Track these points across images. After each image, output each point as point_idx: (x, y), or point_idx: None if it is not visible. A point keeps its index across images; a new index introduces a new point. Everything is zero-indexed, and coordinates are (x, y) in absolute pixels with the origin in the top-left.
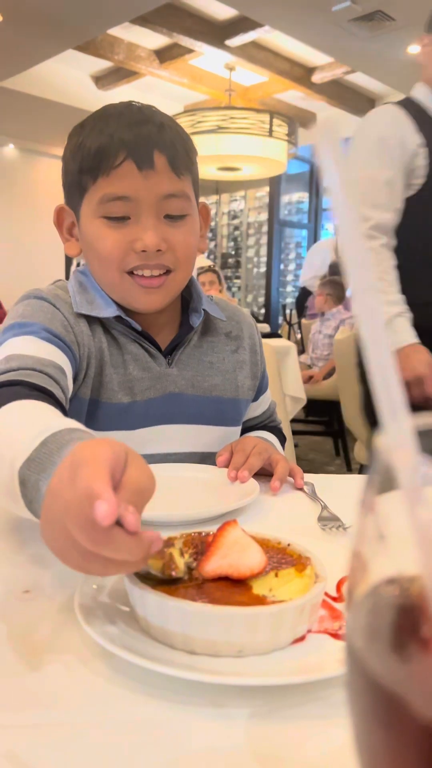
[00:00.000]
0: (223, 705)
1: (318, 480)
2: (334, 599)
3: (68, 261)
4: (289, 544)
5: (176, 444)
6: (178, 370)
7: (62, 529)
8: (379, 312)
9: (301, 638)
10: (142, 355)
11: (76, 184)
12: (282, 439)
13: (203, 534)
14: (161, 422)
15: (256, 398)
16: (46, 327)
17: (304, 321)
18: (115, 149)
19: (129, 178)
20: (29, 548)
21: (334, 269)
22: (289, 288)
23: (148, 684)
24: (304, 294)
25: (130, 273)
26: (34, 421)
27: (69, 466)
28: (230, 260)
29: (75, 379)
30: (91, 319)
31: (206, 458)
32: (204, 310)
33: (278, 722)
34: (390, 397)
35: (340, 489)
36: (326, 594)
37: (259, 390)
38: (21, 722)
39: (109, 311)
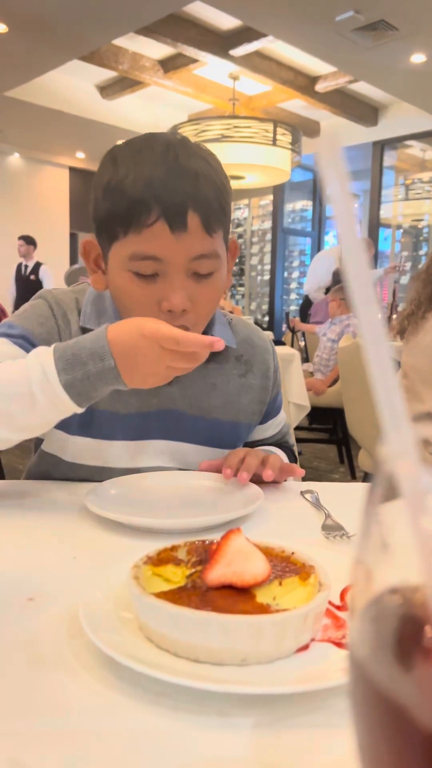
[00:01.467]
0: (227, 714)
1: (322, 488)
2: (338, 608)
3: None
4: (293, 553)
5: (167, 459)
6: (179, 389)
7: (153, 363)
8: (379, 324)
9: (305, 647)
10: None
11: (105, 226)
12: (292, 459)
13: (207, 542)
14: (155, 437)
15: (264, 421)
16: (28, 334)
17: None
18: (148, 207)
19: (160, 238)
20: (33, 556)
21: (337, 277)
22: (293, 295)
23: (151, 692)
24: (307, 302)
25: None
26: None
27: (129, 336)
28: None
29: None
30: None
31: None
32: None
33: (282, 731)
34: (392, 407)
35: (344, 497)
36: (330, 603)
37: (269, 414)
38: (24, 729)
39: None
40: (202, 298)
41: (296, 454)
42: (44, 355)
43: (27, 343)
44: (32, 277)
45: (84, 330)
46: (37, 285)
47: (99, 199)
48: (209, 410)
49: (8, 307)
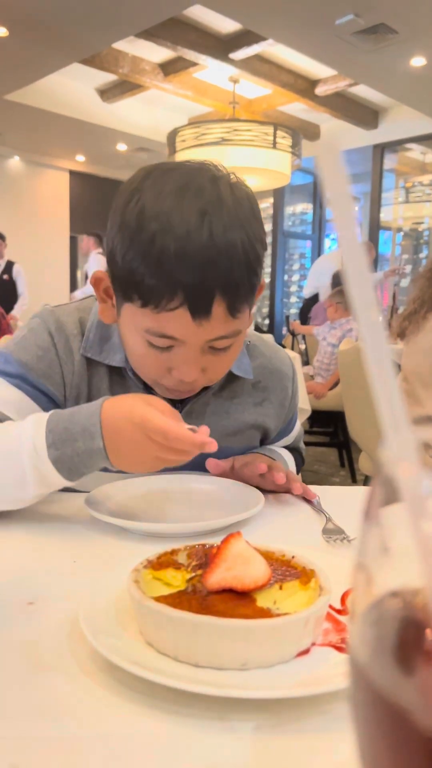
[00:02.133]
0: (228, 718)
1: (323, 491)
2: (339, 612)
3: (73, 273)
4: (293, 557)
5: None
6: (188, 419)
7: (140, 451)
8: (380, 327)
9: (306, 651)
10: None
11: (121, 283)
12: (299, 462)
13: (207, 546)
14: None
15: (276, 440)
16: (25, 371)
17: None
18: (171, 291)
19: (181, 323)
20: (33, 560)
21: (336, 280)
22: (293, 299)
23: (152, 696)
24: (307, 305)
25: None
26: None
27: (119, 418)
28: None
29: None
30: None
31: None
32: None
33: (283, 735)
34: (392, 410)
35: (345, 500)
36: (331, 606)
37: (282, 433)
38: (24, 734)
39: (117, 359)
40: (216, 367)
41: (303, 456)
42: (37, 427)
43: (24, 382)
44: (5, 276)
45: (86, 360)
46: (11, 285)
47: (118, 246)
48: (220, 439)
49: None
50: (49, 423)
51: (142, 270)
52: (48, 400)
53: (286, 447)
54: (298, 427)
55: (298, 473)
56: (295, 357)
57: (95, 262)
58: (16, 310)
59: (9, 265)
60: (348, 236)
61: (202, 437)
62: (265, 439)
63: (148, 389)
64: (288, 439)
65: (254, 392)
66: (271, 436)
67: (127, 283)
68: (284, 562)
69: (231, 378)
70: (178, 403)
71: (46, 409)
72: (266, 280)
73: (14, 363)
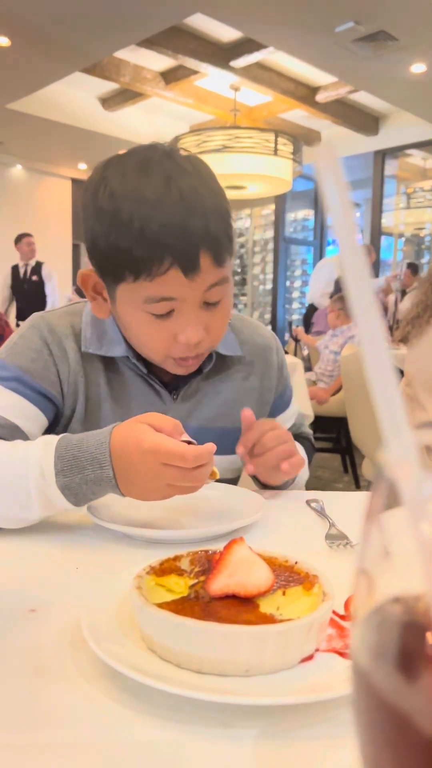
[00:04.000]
0: (231, 725)
1: (326, 497)
2: (342, 617)
3: (74, 280)
4: (296, 562)
5: None
6: (182, 403)
7: (152, 480)
8: (379, 330)
9: (309, 657)
10: (146, 392)
11: (109, 265)
12: (310, 450)
13: (210, 552)
14: None
15: (275, 414)
16: (21, 374)
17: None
18: (160, 256)
19: (174, 282)
20: (35, 567)
21: (339, 285)
22: (295, 305)
23: (155, 704)
24: (311, 311)
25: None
26: (19, 448)
27: (131, 447)
28: (236, 277)
29: (59, 419)
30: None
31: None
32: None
33: (286, 742)
34: (392, 413)
35: (348, 506)
36: (334, 612)
37: (275, 410)
38: (26, 742)
39: (118, 350)
40: (215, 325)
41: (313, 443)
42: (46, 452)
43: (21, 385)
44: (34, 278)
45: (86, 355)
46: (41, 287)
47: (98, 234)
48: (213, 419)
49: (10, 319)
50: (58, 449)
51: (128, 245)
52: (46, 401)
53: (295, 436)
54: (295, 408)
55: (310, 463)
56: (297, 363)
57: None
58: None
59: (38, 266)
60: (348, 243)
61: (210, 445)
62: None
63: (147, 378)
64: (286, 417)
65: (240, 367)
66: (266, 408)
67: (116, 264)
68: (287, 568)
69: (218, 358)
70: (173, 391)
71: (44, 410)
72: (268, 286)
73: (9, 368)
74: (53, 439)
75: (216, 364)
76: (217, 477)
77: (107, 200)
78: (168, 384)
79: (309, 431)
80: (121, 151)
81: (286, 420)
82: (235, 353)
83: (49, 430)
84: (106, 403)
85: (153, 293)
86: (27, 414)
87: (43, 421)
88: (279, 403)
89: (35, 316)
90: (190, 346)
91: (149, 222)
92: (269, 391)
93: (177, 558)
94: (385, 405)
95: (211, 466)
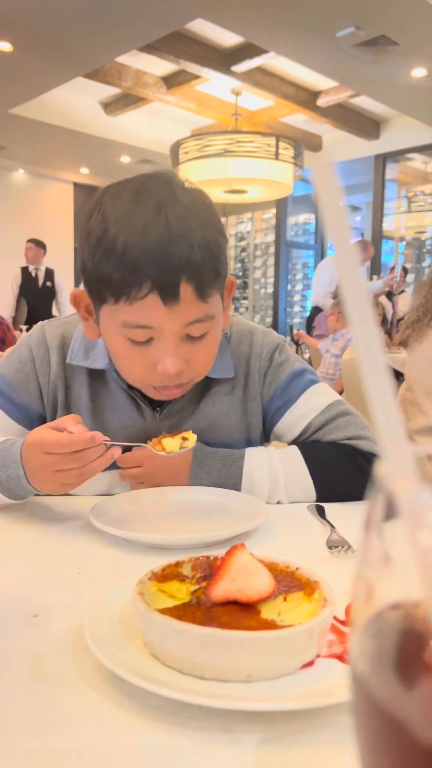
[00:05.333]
0: (233, 730)
1: (327, 502)
2: (343, 623)
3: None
4: (297, 568)
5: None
6: (164, 420)
7: (45, 472)
8: (377, 341)
9: (310, 663)
10: (128, 406)
11: (94, 286)
12: (353, 466)
13: (211, 558)
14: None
15: (275, 421)
16: (3, 386)
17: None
18: (139, 280)
19: (153, 310)
20: (37, 572)
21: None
22: (297, 308)
23: (157, 709)
24: (314, 314)
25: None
26: None
27: (26, 447)
28: (237, 281)
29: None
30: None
31: None
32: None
33: (288, 748)
34: (390, 424)
35: (350, 511)
36: (335, 618)
37: (279, 406)
38: (29, 747)
39: (102, 362)
40: (198, 357)
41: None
42: None
43: (8, 391)
44: (48, 283)
45: (71, 367)
46: (53, 293)
47: (87, 254)
48: (198, 436)
49: (16, 315)
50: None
51: (110, 268)
52: (23, 414)
53: (330, 441)
54: (319, 404)
55: (325, 479)
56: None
57: None
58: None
59: (50, 273)
60: (344, 256)
61: (92, 432)
62: (265, 422)
63: (131, 389)
64: (300, 415)
65: (225, 382)
66: (256, 429)
67: (100, 285)
68: (288, 574)
69: (206, 379)
70: (157, 407)
71: (20, 422)
72: (269, 290)
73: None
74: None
75: (203, 384)
76: (193, 440)
77: (98, 223)
78: (153, 400)
79: (356, 433)
80: (132, 159)
81: (301, 418)
82: (225, 375)
83: None
84: (86, 415)
85: (131, 319)
86: (2, 425)
87: (20, 432)
88: (269, 408)
89: (36, 326)
90: (169, 376)
91: (133, 247)
92: (254, 400)
93: (179, 564)
94: (382, 417)
95: (101, 450)
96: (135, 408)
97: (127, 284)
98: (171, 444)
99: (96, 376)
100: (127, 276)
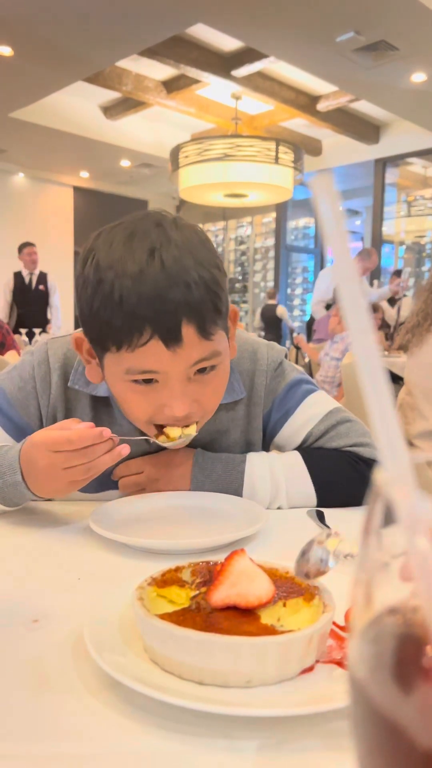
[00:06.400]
0: (232, 736)
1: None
2: (343, 629)
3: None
4: None
5: None
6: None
7: (51, 471)
8: (375, 351)
9: (310, 668)
10: (131, 433)
11: (95, 336)
12: (355, 475)
13: (211, 563)
14: None
15: (274, 433)
16: (5, 402)
17: (311, 345)
18: (139, 328)
19: (156, 355)
20: (37, 577)
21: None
22: (296, 312)
23: (156, 714)
24: (313, 318)
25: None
26: None
27: (29, 449)
28: (237, 285)
29: None
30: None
31: None
32: None
33: (287, 753)
34: (388, 432)
35: (349, 517)
36: (334, 623)
37: (275, 425)
38: (29, 753)
39: (103, 390)
40: (206, 395)
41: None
42: None
43: (7, 407)
44: (41, 287)
45: (66, 393)
46: (45, 297)
47: (84, 303)
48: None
49: (8, 322)
50: None
51: (108, 316)
52: (18, 432)
53: (334, 447)
54: (319, 412)
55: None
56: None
57: None
58: (53, 326)
59: (43, 276)
60: (343, 266)
61: (100, 428)
62: (265, 434)
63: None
64: (300, 425)
65: (226, 399)
66: (256, 444)
67: (100, 334)
68: (288, 579)
69: None
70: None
71: (15, 438)
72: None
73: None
74: None
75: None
76: (193, 429)
77: (93, 271)
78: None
79: (359, 441)
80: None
81: (300, 427)
82: (237, 398)
83: None
84: None
85: (134, 365)
86: None
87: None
88: (268, 420)
89: (40, 343)
90: (176, 419)
91: (129, 294)
92: (257, 417)
93: (178, 569)
94: (380, 425)
95: (109, 446)
96: (139, 434)
97: (128, 331)
98: (173, 431)
99: (98, 400)
100: (126, 323)
